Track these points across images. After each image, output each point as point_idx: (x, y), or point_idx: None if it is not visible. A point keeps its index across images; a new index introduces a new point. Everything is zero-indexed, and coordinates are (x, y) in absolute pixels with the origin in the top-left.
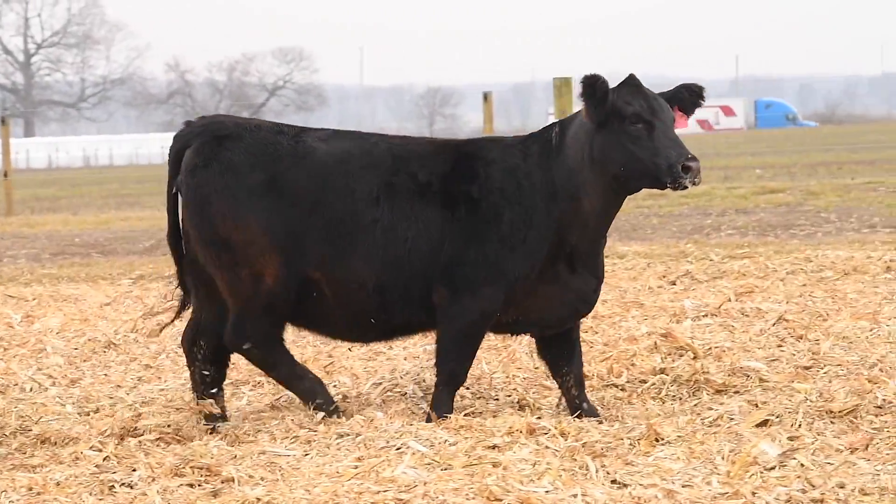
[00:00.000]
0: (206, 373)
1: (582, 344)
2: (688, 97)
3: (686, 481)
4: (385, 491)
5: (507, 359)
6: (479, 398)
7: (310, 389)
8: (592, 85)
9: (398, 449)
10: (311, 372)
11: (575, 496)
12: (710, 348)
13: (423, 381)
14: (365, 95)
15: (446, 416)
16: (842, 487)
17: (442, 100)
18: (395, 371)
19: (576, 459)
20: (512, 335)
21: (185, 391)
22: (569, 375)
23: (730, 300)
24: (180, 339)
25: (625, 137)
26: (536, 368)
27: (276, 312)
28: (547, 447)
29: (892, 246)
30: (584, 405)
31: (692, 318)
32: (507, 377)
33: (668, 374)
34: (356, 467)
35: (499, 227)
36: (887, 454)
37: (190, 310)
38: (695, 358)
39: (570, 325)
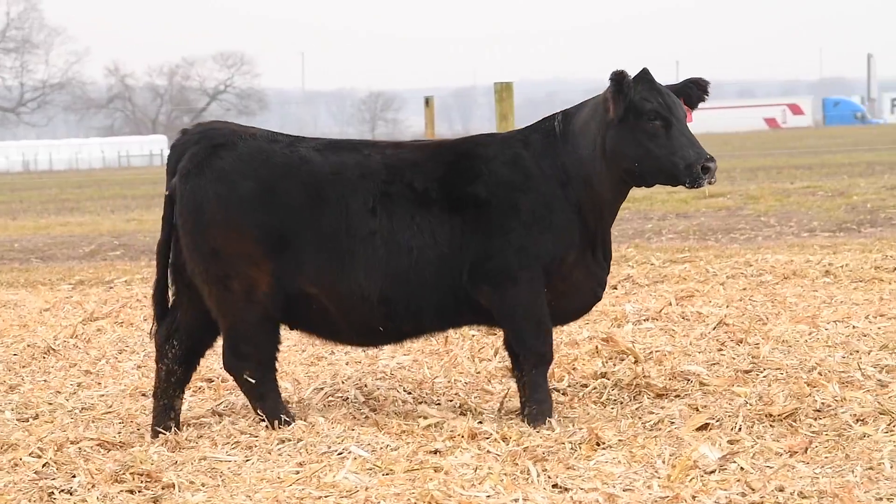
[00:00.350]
0: (173, 372)
1: None
2: (696, 92)
3: (627, 485)
4: (327, 496)
5: (449, 364)
6: (420, 403)
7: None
8: (620, 81)
9: (340, 454)
10: (290, 411)
11: (516, 501)
12: (650, 352)
13: (365, 385)
14: (306, 100)
15: (547, 402)
16: (781, 491)
17: (384, 104)
18: (337, 376)
19: (517, 464)
20: None
21: (124, 397)
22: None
23: (670, 304)
24: (152, 333)
25: (641, 134)
26: (478, 373)
27: (268, 326)
28: (489, 452)
29: (830, 250)
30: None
31: (633, 323)
32: (449, 382)
33: (609, 379)
34: (297, 473)
35: (518, 216)
36: (826, 457)
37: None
38: (636, 362)
39: (587, 312)
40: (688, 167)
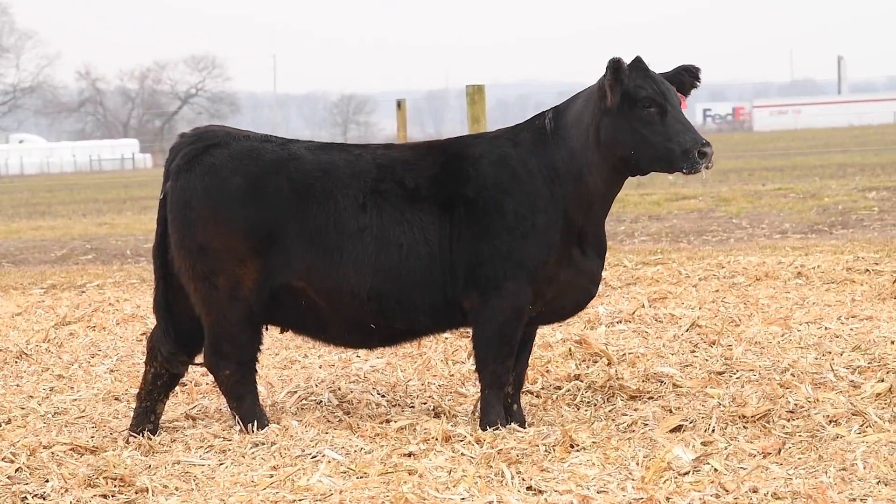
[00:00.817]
0: (161, 375)
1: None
2: (688, 79)
3: (601, 487)
4: (300, 500)
5: (423, 366)
6: (394, 406)
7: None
8: (617, 69)
9: (313, 457)
10: (266, 416)
11: (490, 503)
12: (624, 354)
13: (338, 389)
14: (278, 103)
15: (498, 422)
16: (755, 492)
17: (356, 107)
18: (310, 379)
19: (491, 466)
20: (535, 327)
21: (97, 401)
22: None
23: (643, 306)
24: (147, 336)
25: (637, 121)
26: (451, 375)
27: (251, 326)
28: (463, 454)
29: (802, 252)
30: (514, 407)
31: (606, 325)
32: (423, 385)
33: (582, 381)
34: (271, 476)
35: (504, 219)
36: (799, 458)
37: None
38: (609, 364)
39: (583, 308)
40: (684, 153)
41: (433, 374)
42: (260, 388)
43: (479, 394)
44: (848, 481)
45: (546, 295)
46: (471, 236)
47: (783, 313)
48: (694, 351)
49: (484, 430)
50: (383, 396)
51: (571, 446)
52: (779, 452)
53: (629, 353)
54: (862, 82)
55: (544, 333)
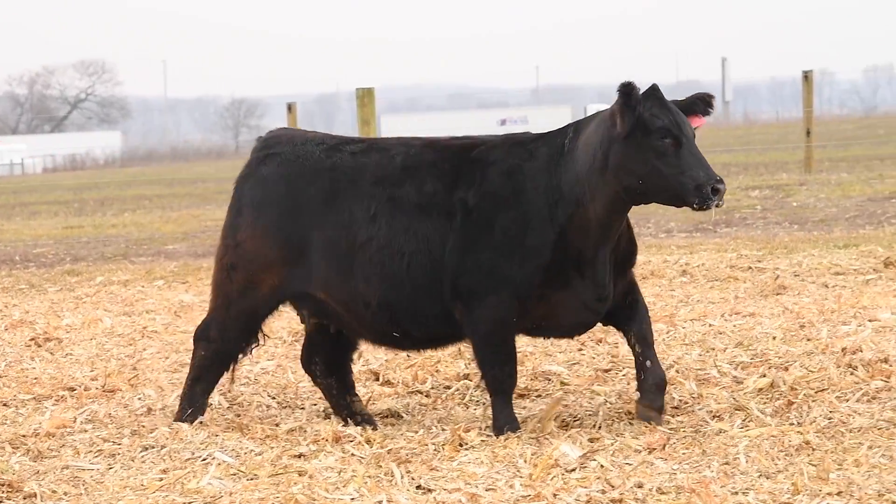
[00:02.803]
0: (331, 384)
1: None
2: (702, 108)
3: (489, 485)
4: (190, 502)
5: None
6: (284, 407)
7: (182, 409)
8: (629, 94)
9: (204, 460)
10: (205, 409)
11: (380, 502)
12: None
13: (229, 391)
14: (169, 107)
15: (509, 427)
16: (640, 487)
17: (247, 111)
18: None
19: (381, 466)
20: (541, 338)
21: None
22: (631, 334)
23: None
24: (300, 362)
25: (649, 151)
26: None
27: (248, 324)
28: (353, 455)
29: (687, 250)
30: (648, 363)
31: None
32: (313, 386)
33: (471, 380)
34: (161, 480)
35: (491, 235)
36: (683, 453)
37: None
38: None
39: (581, 333)
40: (697, 188)
41: None
42: (150, 391)
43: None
44: (730, 475)
45: (535, 312)
46: (460, 246)
47: (668, 311)
48: (581, 349)
49: (496, 436)
50: (273, 398)
51: (460, 445)
52: (663, 448)
53: (519, 352)
54: (745, 83)
55: None
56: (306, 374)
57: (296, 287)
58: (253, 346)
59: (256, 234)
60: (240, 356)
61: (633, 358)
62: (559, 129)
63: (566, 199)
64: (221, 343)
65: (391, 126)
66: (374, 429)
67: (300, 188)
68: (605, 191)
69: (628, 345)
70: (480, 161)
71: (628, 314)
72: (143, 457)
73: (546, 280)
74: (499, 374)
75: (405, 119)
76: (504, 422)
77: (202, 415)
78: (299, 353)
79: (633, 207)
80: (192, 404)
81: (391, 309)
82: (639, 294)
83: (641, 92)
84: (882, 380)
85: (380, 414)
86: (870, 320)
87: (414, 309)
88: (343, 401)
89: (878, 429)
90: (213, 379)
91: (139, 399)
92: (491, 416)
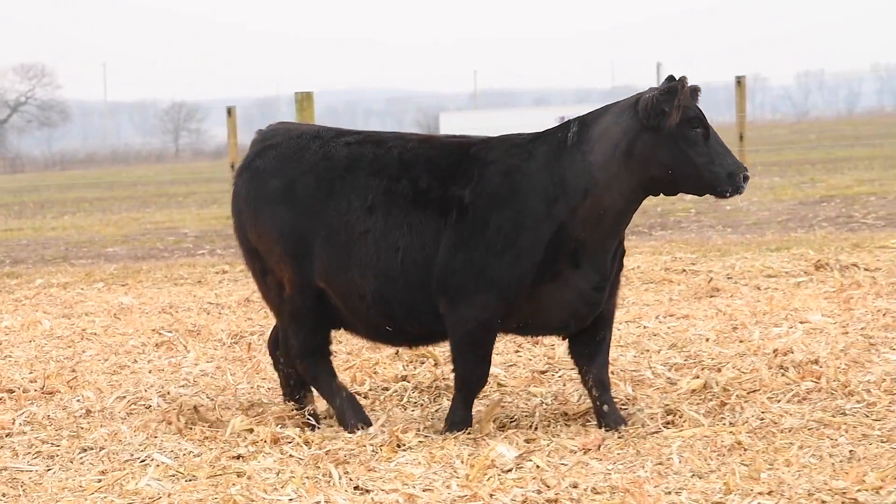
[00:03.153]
0: (290, 374)
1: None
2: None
3: (427, 485)
4: (129, 503)
5: (252, 370)
6: (225, 409)
7: (339, 407)
8: (684, 88)
9: (142, 461)
10: (346, 390)
11: (318, 503)
12: (450, 355)
13: (168, 393)
14: (109, 111)
15: (459, 424)
16: (575, 487)
17: (187, 115)
18: (140, 384)
19: (319, 467)
20: (531, 337)
21: None
22: (588, 376)
23: None
24: (267, 344)
25: (683, 141)
26: None
27: (306, 321)
28: (291, 456)
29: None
30: (605, 407)
31: None
32: (252, 388)
33: (409, 382)
34: (100, 481)
35: (484, 233)
36: (618, 454)
37: None
38: (435, 365)
39: (577, 328)
40: (729, 176)
41: (263, 378)
42: (89, 393)
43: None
44: (664, 475)
45: (522, 310)
46: (452, 243)
47: None
48: (518, 351)
49: (446, 429)
50: (213, 400)
51: (398, 446)
52: (598, 448)
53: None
54: None
55: None
56: (272, 357)
57: (309, 281)
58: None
59: (262, 233)
60: (328, 344)
61: (572, 365)
62: (557, 126)
63: (570, 193)
64: (302, 344)
65: (451, 123)
66: (318, 428)
67: (295, 180)
68: (627, 180)
69: (584, 385)
70: (479, 159)
71: (591, 353)
72: (81, 458)
73: (537, 277)
74: (469, 376)
75: (465, 116)
76: (459, 419)
77: (349, 393)
78: (238, 355)
79: None
80: (336, 394)
81: (385, 302)
82: (610, 332)
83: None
84: (812, 381)
85: (319, 415)
86: (801, 322)
87: (409, 304)
88: (297, 393)
89: (809, 429)
90: (328, 370)
91: (78, 401)
92: (449, 409)
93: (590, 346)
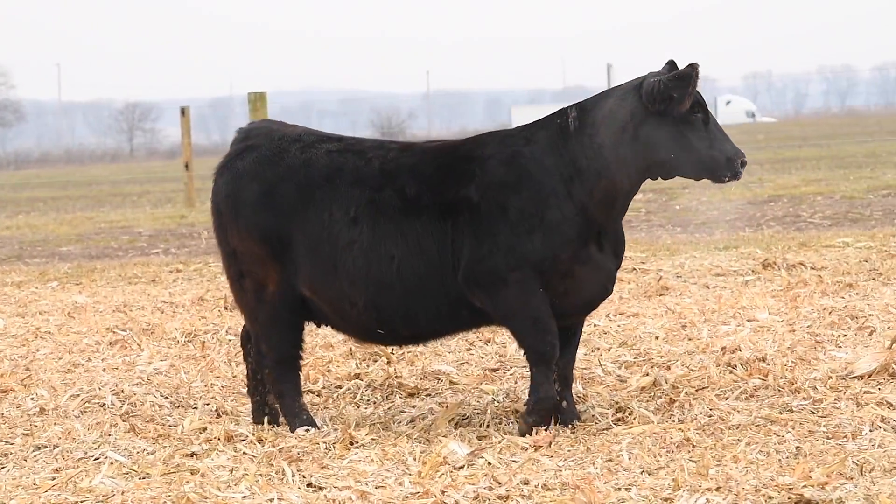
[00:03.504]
0: (257, 370)
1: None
2: None
3: (379, 482)
4: (82, 501)
5: (206, 368)
6: (177, 407)
7: (295, 428)
8: (697, 74)
9: (96, 459)
10: (308, 413)
11: (271, 500)
12: (402, 353)
13: (122, 391)
14: (63, 111)
15: (546, 399)
16: (526, 484)
17: (141, 115)
18: (94, 382)
19: (272, 465)
20: (580, 323)
21: None
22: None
23: None
24: (240, 336)
25: (684, 125)
26: (234, 377)
27: (280, 327)
28: (244, 453)
29: None
30: (564, 403)
31: None
32: (206, 385)
33: (362, 379)
34: (53, 479)
35: (506, 216)
36: (569, 451)
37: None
38: (388, 363)
39: (595, 307)
40: (728, 161)
41: (216, 376)
42: (43, 391)
43: (530, 373)
44: (614, 472)
45: (558, 289)
46: (472, 236)
47: None
48: (470, 349)
49: (535, 404)
50: (167, 398)
51: (351, 443)
52: (549, 445)
53: (407, 352)
54: None
55: (325, 334)
56: (243, 348)
57: (294, 282)
58: (304, 339)
59: (242, 236)
60: (300, 354)
61: (521, 357)
62: (551, 114)
63: (586, 173)
64: (274, 351)
65: (524, 115)
66: (276, 425)
67: (274, 185)
68: (635, 164)
69: None
70: (475, 157)
71: (560, 346)
72: (35, 456)
73: (573, 257)
74: (538, 345)
75: (536, 109)
76: (543, 392)
77: (309, 415)
78: (192, 353)
79: None
80: (298, 414)
81: (379, 309)
82: (581, 327)
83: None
84: (760, 378)
85: (277, 413)
86: (748, 320)
87: (405, 309)
88: (261, 388)
89: (756, 426)
90: (295, 386)
91: (32, 399)
92: (530, 387)
93: (560, 340)
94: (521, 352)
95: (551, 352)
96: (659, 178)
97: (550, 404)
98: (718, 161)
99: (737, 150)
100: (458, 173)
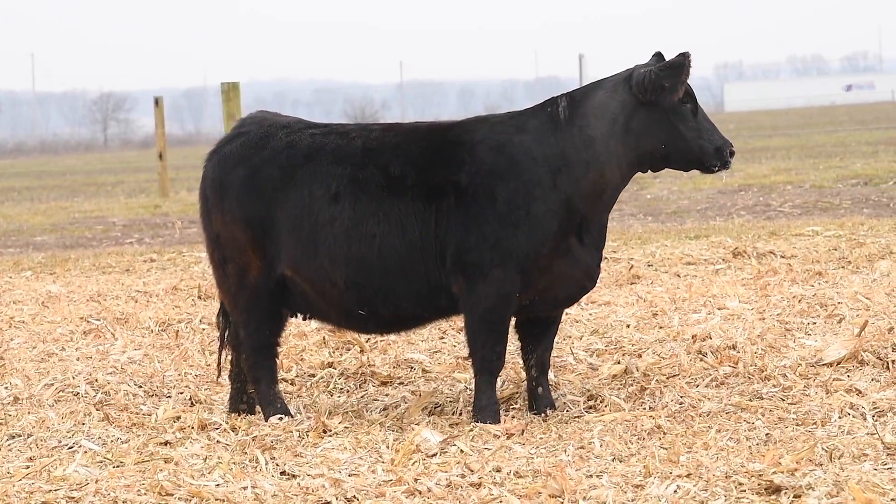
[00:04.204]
0: (231, 355)
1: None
2: None
3: (352, 470)
4: (56, 490)
5: (180, 357)
6: (151, 396)
7: (268, 417)
8: (689, 64)
9: (70, 448)
10: (283, 401)
11: (245, 488)
12: (375, 342)
13: (96, 380)
14: (37, 101)
15: (488, 408)
16: (498, 471)
17: (115, 105)
18: (68, 371)
19: (246, 453)
20: (530, 315)
21: None
22: (531, 355)
23: None
24: (215, 317)
25: (673, 115)
26: (208, 365)
27: (260, 312)
28: (218, 442)
29: None
30: (539, 389)
31: None
32: (180, 374)
33: (336, 368)
34: (27, 467)
35: (494, 208)
36: (541, 438)
37: None
38: (361, 351)
39: (576, 301)
40: (717, 150)
41: (190, 365)
42: (17, 381)
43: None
44: (585, 459)
45: (538, 284)
46: (460, 223)
47: None
48: (443, 337)
49: (474, 414)
50: (140, 387)
51: (324, 431)
52: (521, 433)
53: (380, 341)
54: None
55: (299, 323)
56: (219, 331)
57: (276, 267)
58: (284, 328)
59: (226, 221)
60: (278, 342)
61: (517, 339)
62: (540, 103)
63: (574, 164)
64: (251, 338)
65: (737, 93)
66: (252, 413)
67: (258, 168)
68: (625, 154)
69: (524, 364)
70: (464, 142)
71: (539, 333)
72: (9, 445)
73: (552, 250)
74: (489, 355)
75: (750, 86)
76: (485, 402)
77: (283, 403)
78: (166, 343)
79: None
80: (272, 402)
81: (359, 289)
82: (560, 316)
83: (669, 60)
84: (730, 366)
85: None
86: (719, 308)
87: (385, 290)
88: (241, 373)
89: (726, 413)
90: (271, 374)
91: (6, 388)
92: (474, 394)
93: (539, 327)
94: (469, 360)
95: (498, 363)
96: (648, 171)
97: (494, 410)
98: (708, 151)
99: (725, 140)
100: (447, 157)
